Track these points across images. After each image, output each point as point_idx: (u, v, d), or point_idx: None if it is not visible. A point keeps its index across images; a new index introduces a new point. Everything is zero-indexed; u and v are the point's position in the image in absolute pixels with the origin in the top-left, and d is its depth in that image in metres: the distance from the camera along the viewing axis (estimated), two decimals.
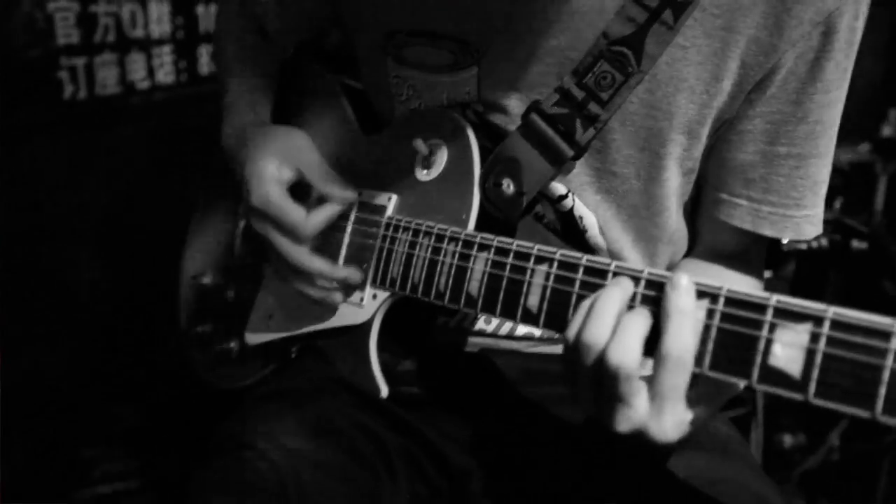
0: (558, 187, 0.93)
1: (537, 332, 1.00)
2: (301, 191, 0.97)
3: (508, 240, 0.81)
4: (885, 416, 0.56)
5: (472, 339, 1.01)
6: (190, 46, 2.20)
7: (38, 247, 1.78)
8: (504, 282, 0.80)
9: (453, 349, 1.02)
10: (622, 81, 0.85)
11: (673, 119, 0.87)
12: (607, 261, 0.73)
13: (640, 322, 0.67)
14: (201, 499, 0.90)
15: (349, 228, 0.98)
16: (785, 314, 0.62)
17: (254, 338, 1.09)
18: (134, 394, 1.97)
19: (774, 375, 0.62)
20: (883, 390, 0.56)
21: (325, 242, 0.99)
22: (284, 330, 1.04)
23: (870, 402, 0.57)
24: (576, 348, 0.70)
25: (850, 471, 2.02)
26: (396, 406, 0.99)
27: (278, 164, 0.95)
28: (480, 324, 1.00)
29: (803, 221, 0.90)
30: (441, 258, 0.86)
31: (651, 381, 0.67)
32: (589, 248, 0.95)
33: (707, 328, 0.65)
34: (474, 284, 0.82)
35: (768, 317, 0.62)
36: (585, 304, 0.71)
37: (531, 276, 0.77)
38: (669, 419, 0.68)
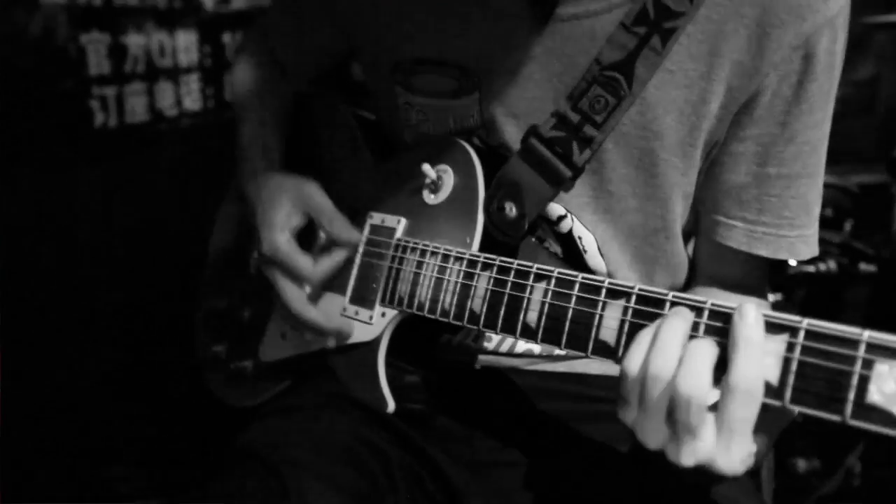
0: (557, 208, 0.97)
1: (536, 349, 1.04)
2: (311, 235, 1.04)
3: (510, 259, 0.85)
4: (854, 420, 0.60)
5: (475, 357, 1.05)
6: (217, 73, 2.27)
7: (71, 267, 1.84)
8: (505, 298, 0.83)
9: (457, 366, 1.05)
10: (615, 104, 0.89)
11: (664, 140, 0.91)
12: (602, 277, 0.76)
13: (708, 351, 0.66)
14: None
15: (361, 249, 1.02)
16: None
17: (268, 356, 1.13)
18: (152, 409, 2.01)
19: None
20: (852, 395, 0.60)
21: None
22: (297, 348, 1.08)
23: (839, 406, 0.60)
24: (641, 379, 0.68)
25: (871, 497, 1.99)
26: (401, 422, 1.02)
27: (288, 211, 1.02)
28: (483, 341, 1.04)
29: (797, 241, 0.93)
30: (447, 277, 0.90)
31: (718, 413, 0.66)
32: (588, 269, 0.99)
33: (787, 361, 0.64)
34: (477, 301, 0.86)
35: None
36: (646, 334, 0.70)
37: (530, 293, 0.81)
38: (737, 452, 0.66)
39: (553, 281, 0.79)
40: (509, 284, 0.83)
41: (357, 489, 0.95)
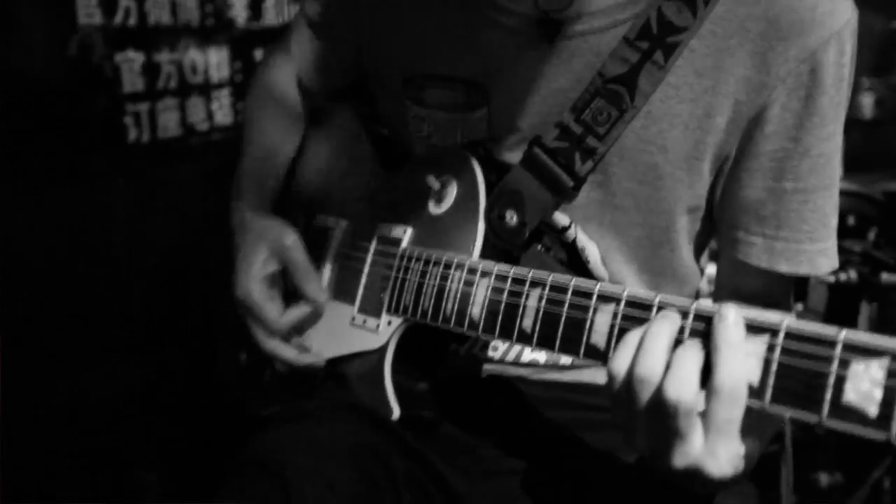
0: (562, 218, 0.98)
1: (541, 358, 1.05)
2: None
3: (507, 266, 0.87)
4: (830, 420, 0.60)
5: (481, 366, 1.06)
6: (247, 88, 2.33)
7: (106, 279, 1.90)
8: (502, 305, 0.86)
9: (463, 375, 1.07)
10: (617, 117, 0.91)
11: (668, 153, 0.92)
12: (594, 282, 0.78)
13: (694, 355, 0.67)
14: None
15: (369, 259, 1.05)
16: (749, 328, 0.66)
17: (282, 365, 1.16)
18: (158, 413, 2.04)
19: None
20: (828, 395, 0.60)
21: (348, 272, 1.08)
22: (310, 356, 1.11)
23: (817, 407, 0.60)
24: (627, 383, 0.69)
25: None
26: (406, 431, 1.03)
27: (265, 259, 1.08)
28: (488, 351, 1.06)
29: (817, 255, 0.93)
30: (448, 284, 0.92)
31: (704, 415, 0.67)
32: (592, 278, 0.99)
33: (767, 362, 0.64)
34: (476, 308, 0.89)
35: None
36: (632, 337, 0.71)
37: (526, 300, 0.83)
38: (724, 453, 0.67)
39: (547, 287, 0.81)
40: (506, 292, 0.85)
41: (361, 496, 0.96)
